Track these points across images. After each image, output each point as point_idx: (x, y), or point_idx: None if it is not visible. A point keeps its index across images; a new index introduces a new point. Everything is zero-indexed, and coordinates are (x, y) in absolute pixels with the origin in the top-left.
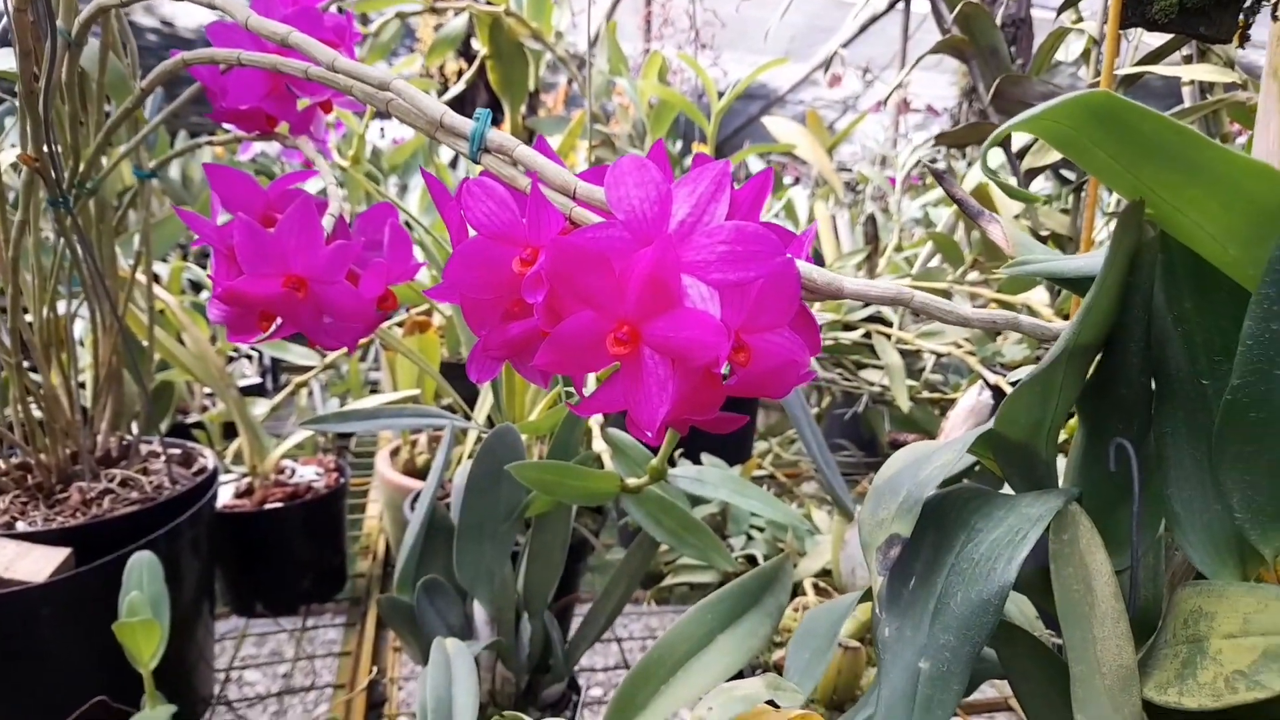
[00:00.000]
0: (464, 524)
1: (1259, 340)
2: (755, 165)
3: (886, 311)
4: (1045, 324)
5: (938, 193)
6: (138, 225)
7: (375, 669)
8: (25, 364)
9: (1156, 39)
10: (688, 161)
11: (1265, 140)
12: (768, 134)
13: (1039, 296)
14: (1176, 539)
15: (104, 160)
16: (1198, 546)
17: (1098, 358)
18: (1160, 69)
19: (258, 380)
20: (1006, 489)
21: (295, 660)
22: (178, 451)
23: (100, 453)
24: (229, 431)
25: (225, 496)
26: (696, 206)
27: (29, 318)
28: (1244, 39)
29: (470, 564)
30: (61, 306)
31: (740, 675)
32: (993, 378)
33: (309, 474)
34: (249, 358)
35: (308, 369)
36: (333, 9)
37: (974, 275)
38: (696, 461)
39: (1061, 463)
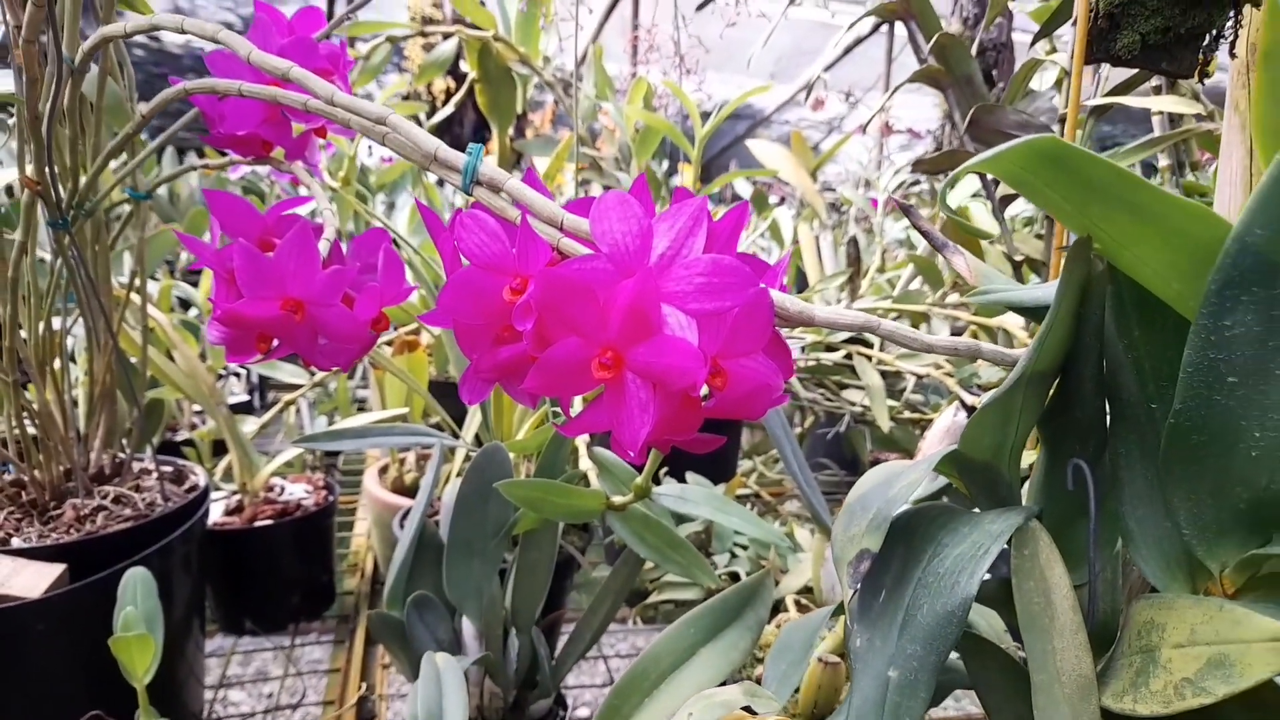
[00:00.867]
0: (453, 541)
1: (1198, 368)
2: (742, 185)
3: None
4: (1005, 351)
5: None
6: (126, 243)
7: (364, 685)
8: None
9: (1127, 69)
10: (674, 181)
11: (1229, 169)
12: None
13: (1015, 320)
14: (1131, 555)
15: (100, 181)
16: (1150, 561)
17: (1056, 383)
18: (1129, 100)
19: (245, 398)
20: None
21: (284, 678)
22: (169, 469)
23: (93, 470)
24: (218, 449)
25: (215, 514)
26: (675, 240)
27: (23, 334)
28: (1204, 74)
29: (459, 580)
30: (55, 324)
31: (724, 686)
32: (969, 399)
33: (298, 492)
34: (237, 375)
35: (296, 387)
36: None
37: (954, 297)
38: (681, 480)
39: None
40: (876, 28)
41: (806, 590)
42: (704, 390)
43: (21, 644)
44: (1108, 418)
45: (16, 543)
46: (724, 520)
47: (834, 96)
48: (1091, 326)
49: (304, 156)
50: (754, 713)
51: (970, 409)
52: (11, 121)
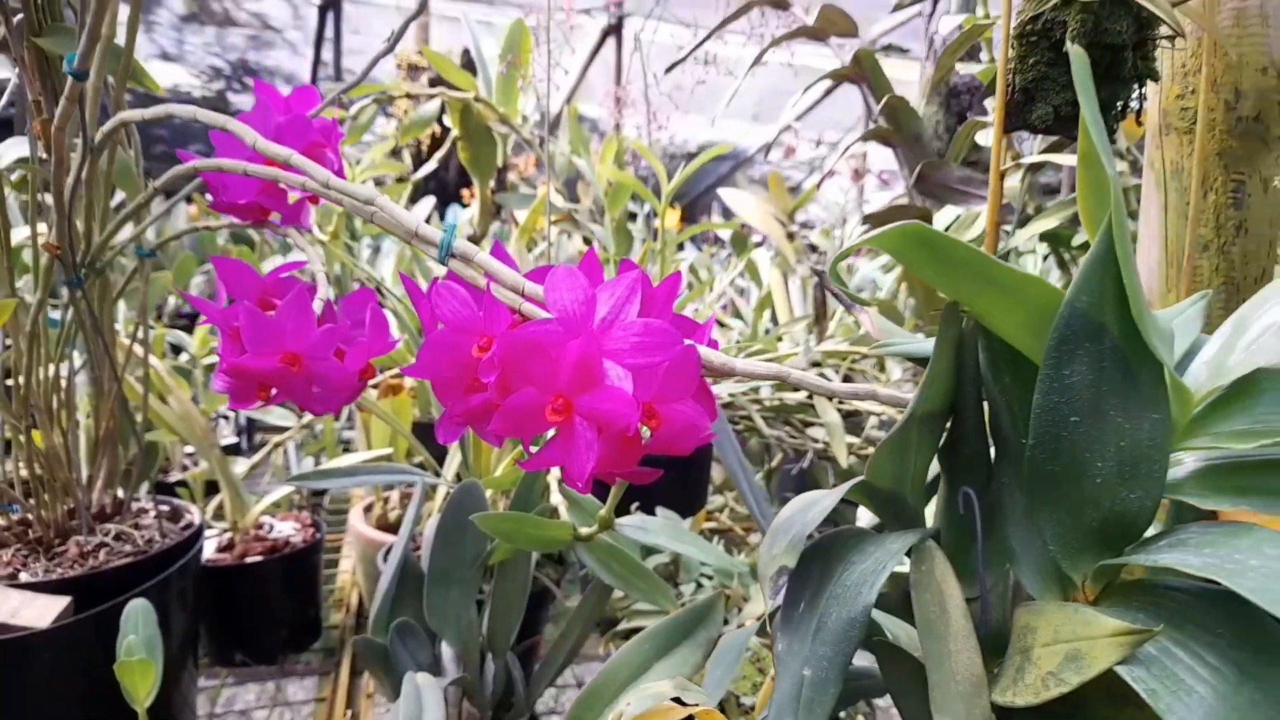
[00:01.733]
0: (433, 570)
1: (1045, 410)
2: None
3: (829, 372)
4: (897, 394)
5: (886, 258)
6: (124, 293)
7: (350, 714)
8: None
9: None
10: (656, 223)
11: (1148, 223)
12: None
13: None
14: (1015, 570)
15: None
16: (1029, 575)
17: (949, 422)
18: (1059, 158)
19: (234, 439)
20: None
21: (271, 708)
22: (166, 507)
23: (95, 508)
24: (209, 489)
25: (208, 550)
26: (615, 305)
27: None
28: (1113, 139)
29: (439, 607)
30: (62, 369)
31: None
32: None
33: (286, 529)
34: (225, 418)
35: (284, 429)
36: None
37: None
38: (652, 514)
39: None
40: (830, 90)
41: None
42: (645, 430)
43: (31, 671)
44: (992, 451)
45: (25, 577)
46: (681, 549)
47: (808, 140)
48: (969, 374)
49: (298, 221)
50: (684, 703)
51: None
52: (9, 189)
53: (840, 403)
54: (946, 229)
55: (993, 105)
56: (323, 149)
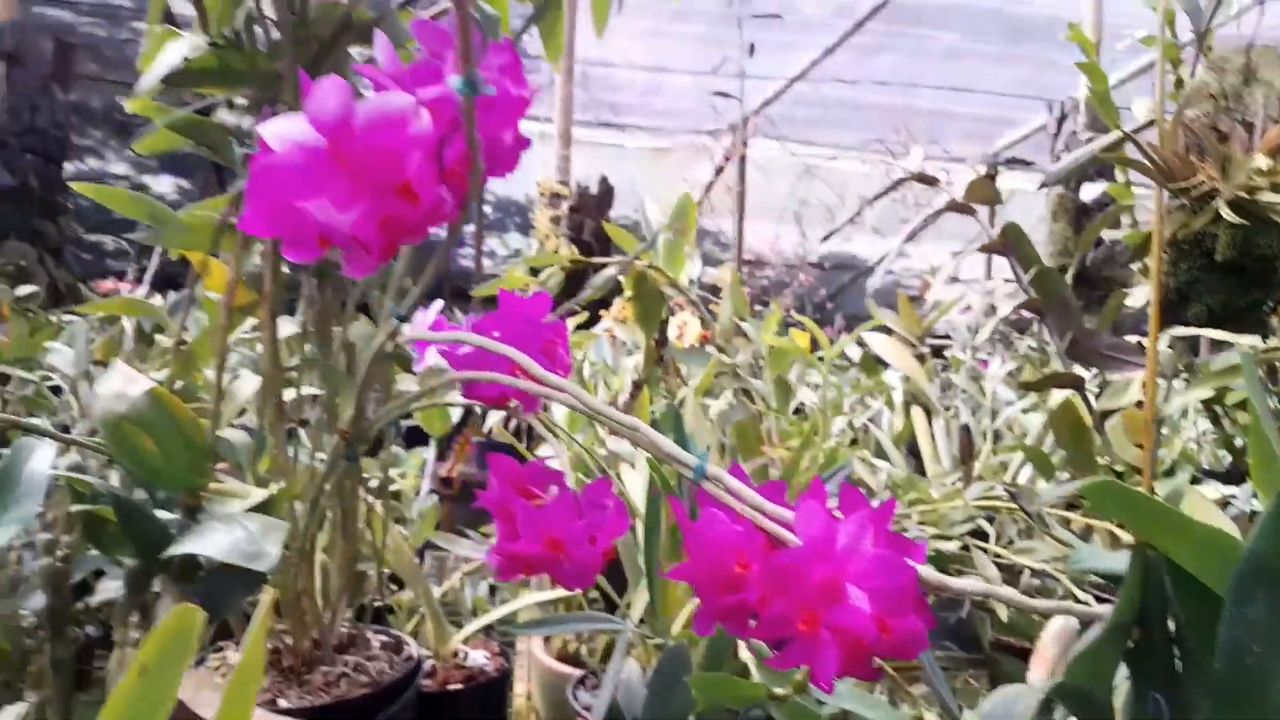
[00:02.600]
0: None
1: (1229, 640)
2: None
3: (983, 524)
4: (1090, 610)
5: (1032, 396)
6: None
7: None
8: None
9: None
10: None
11: None
12: (860, 301)
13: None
14: None
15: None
16: None
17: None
18: (1209, 332)
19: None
20: None
21: None
22: (389, 639)
23: (335, 641)
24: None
25: None
26: (853, 538)
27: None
28: (1265, 334)
29: None
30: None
31: None
32: (1083, 596)
33: (479, 658)
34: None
35: (470, 560)
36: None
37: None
38: None
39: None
40: (946, 209)
41: None
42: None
43: None
44: (1178, 661)
45: (283, 703)
46: (868, 714)
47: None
48: (1155, 596)
49: (534, 409)
50: None
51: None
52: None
53: (997, 556)
54: (1098, 395)
55: (1137, 267)
56: (555, 346)
